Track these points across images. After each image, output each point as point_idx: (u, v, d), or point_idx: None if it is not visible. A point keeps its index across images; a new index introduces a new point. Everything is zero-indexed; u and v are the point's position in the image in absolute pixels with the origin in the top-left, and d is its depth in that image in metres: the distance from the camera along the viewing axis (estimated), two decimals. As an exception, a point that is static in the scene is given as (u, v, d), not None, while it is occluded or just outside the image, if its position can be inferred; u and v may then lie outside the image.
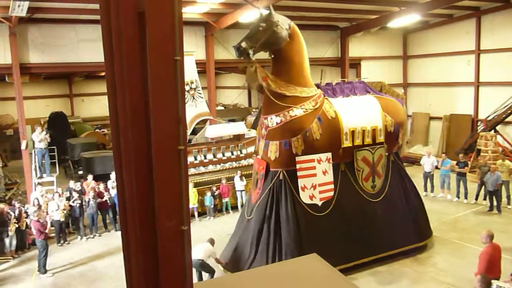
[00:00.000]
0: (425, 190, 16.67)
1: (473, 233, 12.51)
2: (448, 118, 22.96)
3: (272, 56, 10.25)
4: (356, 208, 10.68)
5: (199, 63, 17.24)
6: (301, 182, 10.16)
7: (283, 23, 9.80)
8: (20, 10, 12.12)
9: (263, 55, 10.53)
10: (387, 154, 11.32)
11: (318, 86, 10.98)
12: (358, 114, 10.80)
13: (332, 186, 10.45)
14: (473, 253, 10.65)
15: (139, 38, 2.80)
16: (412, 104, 24.87)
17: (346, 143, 10.58)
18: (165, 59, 2.61)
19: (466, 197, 15.84)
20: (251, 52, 9.41)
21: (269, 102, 10.16)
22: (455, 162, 16.42)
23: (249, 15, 16.04)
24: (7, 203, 13.55)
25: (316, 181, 10.26)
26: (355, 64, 23.71)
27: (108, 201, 14.44)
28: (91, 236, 14.15)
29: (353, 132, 10.63)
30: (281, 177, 10.14)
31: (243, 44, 9.40)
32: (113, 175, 14.93)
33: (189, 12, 16.16)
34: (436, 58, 23.47)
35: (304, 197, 10.16)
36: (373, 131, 10.93)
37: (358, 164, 10.85)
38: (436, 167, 16.67)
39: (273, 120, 10.13)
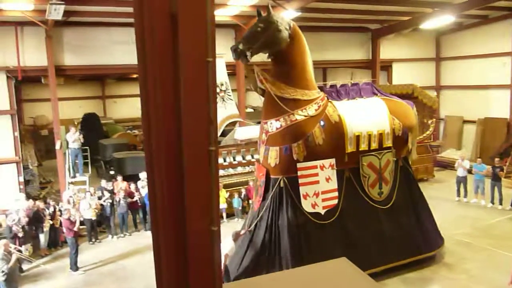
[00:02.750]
0: (458, 195, 16.30)
1: (508, 240, 12.16)
2: (483, 122, 22.37)
3: (272, 57, 9.75)
4: (361, 216, 10.24)
5: (229, 66, 17.31)
6: (302, 190, 9.67)
7: (283, 23, 9.33)
8: (56, 13, 12.44)
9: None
10: (395, 159, 10.80)
11: (321, 88, 10.49)
12: (364, 118, 10.29)
13: (336, 194, 9.99)
14: (507, 261, 10.34)
15: (171, 40, 2.83)
16: (445, 107, 24.35)
17: (351, 148, 10.09)
18: (197, 61, 2.63)
19: (501, 203, 15.40)
20: (248, 53, 8.98)
21: (269, 106, 9.75)
22: (490, 167, 15.99)
23: (279, 17, 16.02)
24: (42, 201, 13.91)
25: (319, 188, 9.80)
26: (386, 66, 23.39)
27: (138, 201, 14.66)
28: (121, 235, 14.40)
29: (358, 137, 10.12)
30: (281, 184, 9.66)
31: (240, 46, 8.97)
32: (142, 175, 15.17)
33: (220, 15, 16.27)
34: (470, 60, 22.90)
35: (306, 206, 9.69)
36: (380, 136, 10.41)
37: (364, 170, 10.36)
38: (470, 172, 16.27)
39: (273, 125, 9.67)
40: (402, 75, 22.83)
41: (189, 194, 2.74)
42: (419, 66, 24.04)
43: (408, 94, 19.37)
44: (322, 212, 9.83)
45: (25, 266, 12.11)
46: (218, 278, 3.06)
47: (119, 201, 14.29)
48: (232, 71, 18.91)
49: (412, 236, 10.71)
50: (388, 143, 10.53)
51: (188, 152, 2.68)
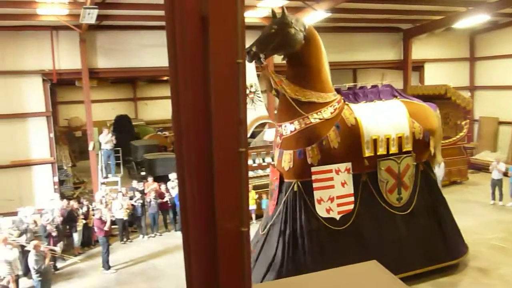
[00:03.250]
0: (493, 198, 15.85)
1: (546, 245, 11.76)
2: (519, 123, 21.72)
3: (287, 59, 9.62)
4: (378, 222, 9.92)
5: (258, 67, 17.33)
6: (317, 195, 9.43)
7: (298, 25, 9.08)
8: (90, 17, 12.73)
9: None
10: (415, 163, 10.38)
11: (338, 91, 10.22)
12: (382, 121, 9.97)
13: (352, 199, 9.69)
14: (546, 267, 10.01)
15: (202, 42, 2.85)
16: (480, 108, 23.73)
17: (368, 152, 9.78)
18: (228, 62, 2.65)
19: (538, 207, 14.92)
20: (262, 56, 8.86)
21: (284, 109, 9.60)
22: (526, 170, 15.51)
23: (309, 19, 15.97)
24: (76, 201, 14.26)
25: (334, 193, 9.54)
26: (418, 67, 22.98)
27: (169, 202, 14.85)
28: (152, 235, 14.61)
29: (375, 141, 9.81)
30: (295, 188, 9.45)
31: (254, 48, 8.80)
32: (172, 176, 15.35)
33: (249, 17, 16.32)
34: (506, 59, 22.24)
35: (321, 211, 9.44)
36: (399, 139, 10.06)
37: (382, 174, 10.02)
38: (505, 174, 15.80)
39: (287, 128, 9.49)
40: (434, 76, 22.38)
41: (219, 195, 2.76)
42: (452, 66, 23.51)
43: (441, 95, 19.02)
44: (337, 217, 9.58)
45: (59, 264, 12.43)
46: (248, 278, 3.07)
47: (150, 201, 14.51)
48: (261, 73, 18.93)
49: (432, 244, 10.31)
50: (408, 147, 10.18)
51: (218, 154, 2.70)
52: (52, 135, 16.54)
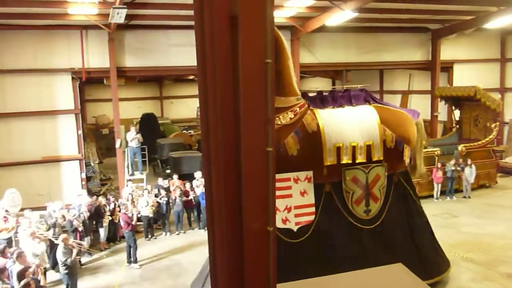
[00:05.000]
0: (523, 203, 15.46)
1: None
2: (552, 126, 21.14)
3: None
4: (341, 235, 9.27)
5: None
6: None
7: None
8: (119, 17, 12.94)
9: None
10: (387, 174, 9.60)
11: (304, 95, 9.63)
12: (348, 127, 9.26)
13: (312, 209, 9.02)
14: None
15: (230, 42, 2.87)
16: (510, 110, 23.18)
17: (330, 161, 9.07)
18: (257, 62, 2.66)
19: None
20: None
21: None
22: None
23: (335, 19, 15.89)
24: (104, 197, 14.51)
25: (292, 202, 8.90)
26: (447, 67, 22.58)
27: (193, 200, 14.97)
28: (176, 232, 14.75)
29: (338, 148, 9.11)
30: None
31: None
32: (197, 175, 15.47)
33: (276, 16, 16.32)
34: (538, 61, 21.71)
35: (276, 221, 8.96)
36: (368, 147, 9.28)
37: (347, 185, 9.28)
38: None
39: None
40: (463, 77, 21.95)
41: (246, 195, 2.77)
42: (482, 68, 23.02)
43: (470, 97, 18.65)
44: (295, 228, 8.95)
45: (84, 259, 12.66)
46: (273, 277, 3.07)
47: (175, 199, 14.66)
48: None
49: (404, 261, 9.70)
50: (378, 156, 9.38)
51: (246, 153, 2.71)
52: (80, 132, 16.88)
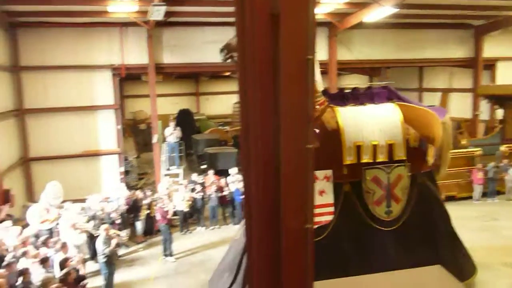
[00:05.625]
0: None
1: None
2: None
3: None
4: (359, 236, 9.04)
5: (320, 64, 17.21)
6: None
7: None
8: (158, 14, 13.16)
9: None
10: (410, 174, 9.33)
11: (325, 92, 9.42)
12: (369, 126, 9.03)
13: (331, 209, 8.79)
14: None
15: (271, 38, 2.87)
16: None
17: (350, 160, 8.86)
18: (298, 58, 2.65)
19: None
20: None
21: None
22: None
23: (374, 15, 15.63)
24: (141, 191, 14.81)
25: None
26: (490, 65, 21.85)
27: (228, 196, 15.07)
28: (211, 227, 14.90)
29: (358, 147, 8.88)
30: None
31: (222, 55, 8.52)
32: (232, 171, 15.57)
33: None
34: None
35: None
36: (389, 147, 9.00)
37: (367, 185, 9.09)
38: None
39: None
40: (508, 75, 21.18)
41: (284, 192, 2.78)
42: (528, 65, 22.16)
43: (515, 96, 18.04)
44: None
45: (121, 251, 12.96)
46: (310, 275, 3.07)
47: (210, 195, 14.80)
48: (323, 69, 18.77)
49: (425, 263, 9.31)
50: (401, 155, 9.11)
51: (286, 150, 2.71)
52: (119, 127, 17.26)
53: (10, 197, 13.07)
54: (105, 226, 10.75)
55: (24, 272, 8.15)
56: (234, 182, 15.02)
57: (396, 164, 9.16)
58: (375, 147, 8.95)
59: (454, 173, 15.83)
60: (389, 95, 9.76)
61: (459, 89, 24.01)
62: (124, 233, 12.83)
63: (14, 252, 9.09)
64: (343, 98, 9.59)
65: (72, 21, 15.92)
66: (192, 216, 15.35)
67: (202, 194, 14.94)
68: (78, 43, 16.35)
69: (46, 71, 16.10)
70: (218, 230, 14.81)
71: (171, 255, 12.54)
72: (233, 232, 13.94)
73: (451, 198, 15.58)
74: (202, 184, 15.43)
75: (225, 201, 15.17)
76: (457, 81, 24.42)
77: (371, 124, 9.06)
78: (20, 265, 8.58)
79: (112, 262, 10.44)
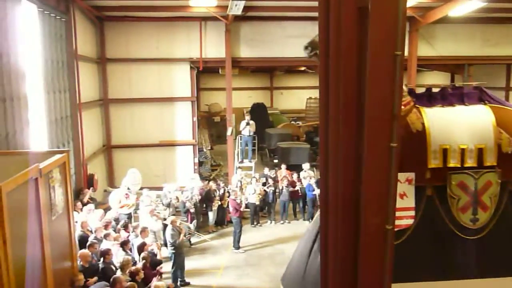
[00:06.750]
0: None
1: None
2: None
3: None
4: (440, 242, 8.56)
5: (400, 59, 16.62)
6: None
7: None
8: (237, 9, 13.35)
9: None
10: (500, 181, 8.56)
11: (410, 92, 8.89)
12: (457, 128, 8.49)
13: (412, 213, 8.41)
14: None
15: (358, 33, 2.80)
16: None
17: (435, 163, 8.34)
18: (386, 54, 2.56)
19: None
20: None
21: None
22: None
23: (461, 9, 14.83)
24: (214, 183, 15.17)
25: None
26: None
27: (300, 191, 15.04)
28: (281, 222, 14.95)
29: (445, 150, 8.37)
30: None
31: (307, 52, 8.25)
32: (305, 166, 15.51)
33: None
34: None
35: None
36: (479, 151, 8.41)
37: (452, 190, 8.50)
38: None
39: None
40: None
41: (365, 190, 2.70)
42: None
43: None
44: None
45: (194, 239, 13.36)
46: (389, 277, 2.97)
47: (282, 189, 14.85)
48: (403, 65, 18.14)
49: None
50: (491, 160, 8.47)
51: (369, 148, 2.63)
52: (195, 119, 17.75)
53: (94, 182, 13.91)
54: (172, 217, 11.13)
55: (106, 253, 8.62)
56: (306, 177, 14.95)
57: (486, 170, 8.58)
58: (463, 151, 8.47)
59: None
60: (481, 96, 9.16)
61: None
62: (193, 225, 13.22)
63: (96, 233, 9.65)
64: (430, 98, 9.09)
65: (154, 16, 16.55)
66: (262, 210, 15.50)
67: (273, 188, 15.03)
68: (160, 36, 16.98)
69: (130, 63, 16.88)
70: (288, 225, 14.84)
71: (240, 246, 12.76)
72: (303, 228, 13.94)
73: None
74: (274, 178, 15.52)
75: (296, 196, 15.15)
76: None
77: (460, 126, 8.62)
78: (102, 246, 9.09)
79: (180, 252, 10.78)
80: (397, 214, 8.37)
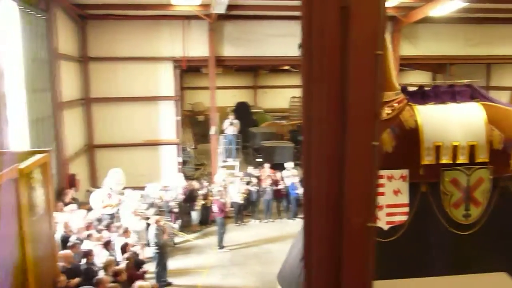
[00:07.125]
0: None
1: None
2: None
3: None
4: (433, 238, 8.75)
5: (382, 59, 16.76)
6: None
7: None
8: (220, 8, 13.31)
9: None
10: (492, 177, 8.82)
11: (403, 89, 9.08)
12: (450, 126, 8.67)
13: (406, 209, 8.62)
14: None
15: (339, 32, 2.82)
16: None
17: (428, 160, 8.56)
18: (367, 53, 2.59)
19: None
20: None
21: None
22: None
23: (442, 9, 15.02)
24: (198, 182, 15.12)
25: (384, 201, 8.53)
26: None
27: (283, 190, 15.08)
28: (265, 221, 14.99)
29: (438, 147, 8.56)
30: None
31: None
32: (288, 165, 15.56)
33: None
34: None
35: None
36: (471, 148, 8.62)
37: (445, 186, 8.72)
38: None
39: None
40: None
41: (348, 188, 2.72)
42: None
43: None
44: (385, 227, 8.59)
45: (177, 239, 13.31)
46: (370, 274, 3.00)
47: (265, 188, 14.87)
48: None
49: (503, 271, 8.79)
50: (483, 157, 8.73)
51: (351, 146, 2.65)
52: (179, 118, 17.66)
53: (76, 182, 13.75)
54: (156, 217, 11.08)
55: (88, 254, 8.54)
56: (290, 176, 15.01)
57: (478, 167, 8.80)
58: (455, 148, 8.67)
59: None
60: (473, 94, 9.38)
61: (531, 88, 22.72)
62: (177, 225, 13.17)
63: (78, 234, 9.55)
64: (423, 95, 9.28)
65: (137, 14, 16.42)
66: (246, 209, 15.51)
67: (257, 187, 15.04)
68: (143, 35, 16.84)
69: (112, 62, 16.71)
70: (272, 223, 14.89)
71: (224, 246, 12.75)
72: (287, 226, 13.99)
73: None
74: (258, 177, 15.53)
75: (279, 195, 15.20)
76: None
77: (452, 124, 8.78)
78: (84, 247, 9.00)
79: (164, 251, 10.73)
80: (391, 210, 8.50)
